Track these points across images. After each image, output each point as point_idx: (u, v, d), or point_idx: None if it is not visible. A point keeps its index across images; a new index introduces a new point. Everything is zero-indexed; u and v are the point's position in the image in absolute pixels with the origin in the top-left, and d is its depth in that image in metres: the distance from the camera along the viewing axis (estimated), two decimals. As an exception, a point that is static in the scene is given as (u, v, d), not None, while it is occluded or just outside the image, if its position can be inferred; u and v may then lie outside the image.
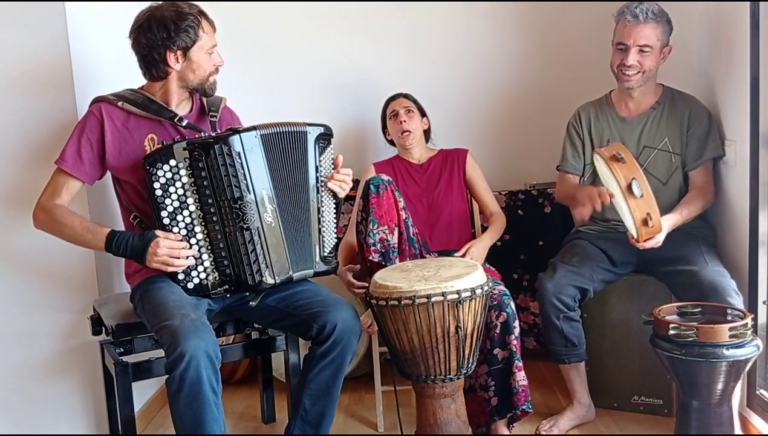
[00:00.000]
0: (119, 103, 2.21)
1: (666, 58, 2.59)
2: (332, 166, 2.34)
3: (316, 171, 2.29)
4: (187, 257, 2.14)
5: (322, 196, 2.31)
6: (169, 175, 2.12)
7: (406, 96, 2.98)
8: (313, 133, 2.28)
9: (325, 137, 2.32)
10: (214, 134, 2.20)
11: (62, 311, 2.56)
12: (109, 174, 2.28)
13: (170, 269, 2.13)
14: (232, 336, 2.74)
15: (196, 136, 2.20)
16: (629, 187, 2.26)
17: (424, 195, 2.88)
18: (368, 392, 2.96)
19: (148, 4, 2.22)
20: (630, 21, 2.52)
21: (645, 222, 2.27)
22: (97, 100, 2.24)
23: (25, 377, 2.57)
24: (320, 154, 2.29)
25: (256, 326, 2.57)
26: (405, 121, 2.89)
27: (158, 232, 2.11)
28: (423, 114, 2.98)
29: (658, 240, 2.35)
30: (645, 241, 2.32)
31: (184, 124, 2.25)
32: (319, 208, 2.30)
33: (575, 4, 3.34)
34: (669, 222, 2.40)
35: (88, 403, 2.62)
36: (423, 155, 2.96)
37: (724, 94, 2.58)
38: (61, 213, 2.16)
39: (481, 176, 2.93)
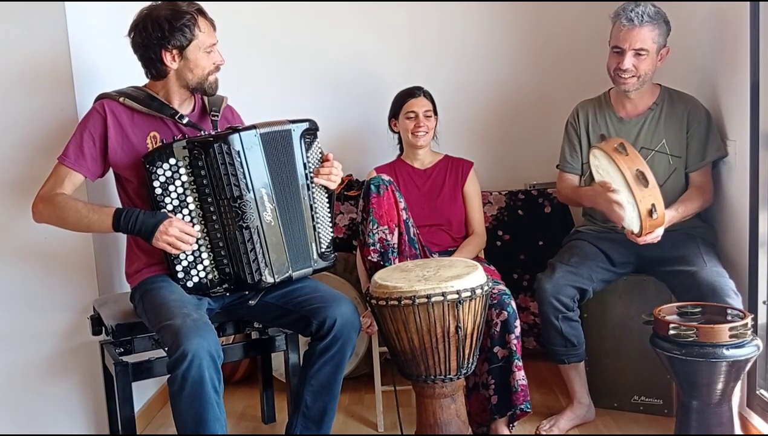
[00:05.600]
0: (121, 99, 2.21)
1: (664, 59, 2.58)
2: (320, 160, 2.32)
3: (305, 168, 2.28)
4: (191, 244, 2.14)
5: (313, 193, 2.30)
6: (168, 173, 2.12)
7: (426, 94, 2.88)
8: (297, 131, 2.26)
9: (311, 132, 2.30)
10: (213, 133, 2.20)
11: (62, 311, 2.56)
12: (111, 176, 2.28)
13: (174, 251, 2.12)
14: (232, 336, 2.74)
15: (197, 134, 2.20)
16: (637, 177, 2.22)
17: (426, 202, 2.86)
18: (368, 392, 2.96)
19: (148, 3, 2.22)
20: (625, 24, 2.48)
21: (650, 213, 2.24)
22: (101, 97, 2.24)
23: (25, 377, 2.57)
24: (307, 150, 2.28)
25: (256, 325, 2.57)
26: (423, 125, 2.83)
27: (169, 213, 2.11)
28: (435, 113, 2.91)
29: (658, 235, 2.34)
30: (646, 235, 2.31)
31: (184, 121, 2.24)
32: (311, 205, 2.30)
33: (577, 4, 3.34)
34: (666, 218, 2.40)
35: (88, 403, 2.62)
36: (427, 159, 2.94)
37: (724, 94, 2.58)
38: (64, 199, 2.15)
39: (478, 194, 2.91)
